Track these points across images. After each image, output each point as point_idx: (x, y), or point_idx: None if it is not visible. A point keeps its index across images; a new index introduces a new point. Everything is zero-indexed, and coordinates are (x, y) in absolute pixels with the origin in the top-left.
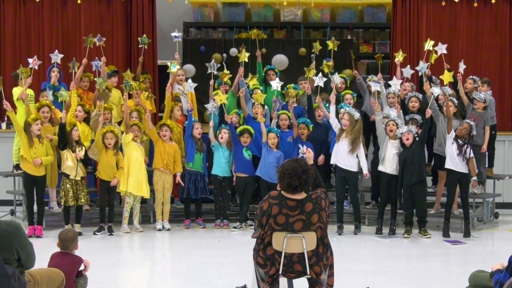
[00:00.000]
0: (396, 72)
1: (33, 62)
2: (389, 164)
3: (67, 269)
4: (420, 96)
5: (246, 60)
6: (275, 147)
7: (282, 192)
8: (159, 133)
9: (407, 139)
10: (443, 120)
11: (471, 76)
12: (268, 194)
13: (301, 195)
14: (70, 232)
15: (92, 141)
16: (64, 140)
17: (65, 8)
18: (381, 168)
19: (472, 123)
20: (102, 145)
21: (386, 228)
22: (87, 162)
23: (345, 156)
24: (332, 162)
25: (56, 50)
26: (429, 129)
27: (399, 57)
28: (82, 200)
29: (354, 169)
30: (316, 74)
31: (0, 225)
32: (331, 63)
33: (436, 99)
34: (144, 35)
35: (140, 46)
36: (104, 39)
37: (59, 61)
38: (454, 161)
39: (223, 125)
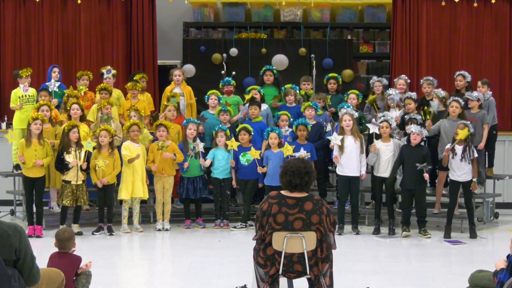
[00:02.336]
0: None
1: (24, 88)
2: (383, 169)
3: (67, 269)
4: (414, 95)
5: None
6: (275, 147)
7: (281, 191)
8: (156, 133)
9: (415, 139)
10: (446, 124)
11: (459, 72)
12: (268, 195)
13: (301, 194)
14: (67, 231)
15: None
16: (60, 165)
17: (65, 8)
18: (375, 173)
19: (466, 122)
20: (96, 150)
21: (385, 229)
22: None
23: (352, 161)
24: (340, 173)
25: (53, 80)
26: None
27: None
28: (81, 201)
29: (357, 173)
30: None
31: (3, 226)
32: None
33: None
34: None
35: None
36: (113, 71)
37: (56, 89)
38: (456, 173)
39: (219, 126)
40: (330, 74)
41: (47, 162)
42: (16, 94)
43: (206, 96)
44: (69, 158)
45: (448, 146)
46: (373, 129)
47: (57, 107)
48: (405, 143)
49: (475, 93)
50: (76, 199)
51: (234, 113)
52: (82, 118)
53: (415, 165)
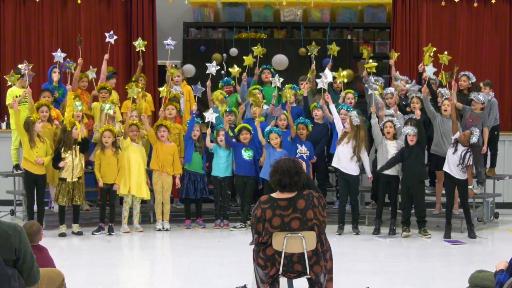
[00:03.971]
0: (392, 71)
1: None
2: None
3: (45, 262)
4: (422, 95)
5: (251, 65)
6: (278, 146)
7: (271, 194)
8: (157, 133)
9: (411, 140)
10: (441, 121)
11: (463, 72)
12: (259, 201)
13: (291, 194)
14: (35, 225)
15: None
16: (57, 163)
17: (65, 8)
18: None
19: (474, 132)
20: (100, 150)
21: (386, 229)
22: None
23: (346, 160)
24: (333, 164)
25: (59, 49)
26: (426, 130)
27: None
28: (77, 201)
29: (355, 173)
30: (319, 77)
31: (2, 226)
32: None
33: (435, 99)
34: (139, 39)
35: (137, 50)
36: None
37: (61, 61)
38: (451, 166)
39: (221, 126)
40: (334, 73)
41: (47, 161)
42: (12, 92)
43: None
44: (66, 156)
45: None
46: (321, 84)
47: (57, 105)
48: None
49: (480, 96)
50: (71, 198)
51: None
52: (82, 119)
53: (413, 164)
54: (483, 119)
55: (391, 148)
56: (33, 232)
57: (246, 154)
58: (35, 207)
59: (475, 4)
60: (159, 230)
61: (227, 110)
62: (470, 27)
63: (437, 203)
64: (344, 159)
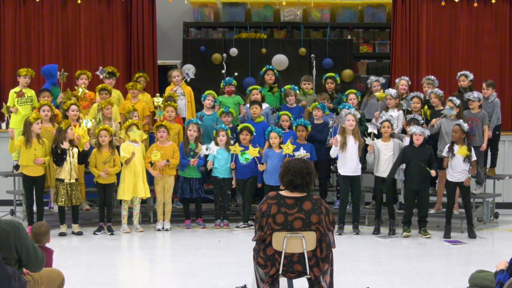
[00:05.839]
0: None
1: (19, 93)
2: (383, 169)
3: (48, 263)
4: (422, 95)
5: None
6: (276, 146)
7: (279, 192)
8: (156, 134)
9: (417, 139)
10: (443, 122)
11: (461, 72)
12: (266, 196)
13: (300, 194)
14: (43, 226)
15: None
16: (59, 159)
17: (65, 8)
18: (375, 173)
19: (460, 122)
20: (96, 149)
21: (385, 228)
22: (84, 159)
23: (353, 161)
24: (342, 173)
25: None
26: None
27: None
28: (76, 201)
29: (358, 172)
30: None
31: (1, 224)
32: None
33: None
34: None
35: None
36: (105, 69)
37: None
38: (452, 173)
39: (221, 126)
40: (328, 74)
41: (47, 161)
42: (13, 94)
43: (203, 96)
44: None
45: (445, 154)
46: (371, 128)
47: (57, 107)
48: (408, 143)
49: (475, 93)
50: (70, 198)
51: (235, 112)
52: (78, 119)
53: (419, 165)
54: (482, 118)
55: (386, 150)
56: (41, 233)
57: (243, 158)
58: (35, 208)
59: (475, 4)
60: (159, 230)
61: (224, 111)
62: (470, 27)
63: (437, 203)
64: (350, 160)
